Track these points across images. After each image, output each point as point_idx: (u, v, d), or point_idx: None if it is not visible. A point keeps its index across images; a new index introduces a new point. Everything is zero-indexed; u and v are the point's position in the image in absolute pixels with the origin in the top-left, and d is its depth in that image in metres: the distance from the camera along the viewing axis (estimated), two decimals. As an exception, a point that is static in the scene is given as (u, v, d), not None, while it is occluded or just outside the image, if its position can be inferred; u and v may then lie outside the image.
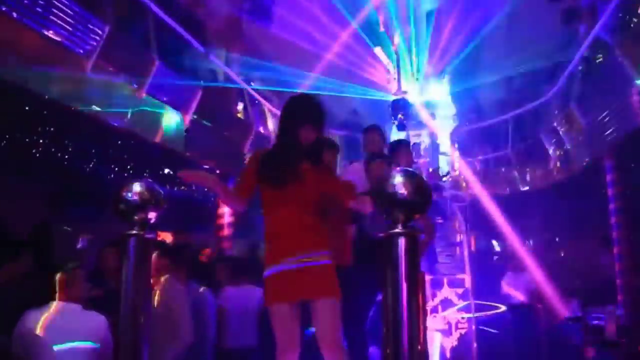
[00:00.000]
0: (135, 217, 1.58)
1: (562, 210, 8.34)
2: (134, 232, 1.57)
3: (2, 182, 4.81)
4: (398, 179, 1.37)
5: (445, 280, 5.46)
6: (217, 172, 7.89)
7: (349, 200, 2.44)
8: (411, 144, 9.95)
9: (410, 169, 1.44)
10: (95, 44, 4.81)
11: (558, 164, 8.28)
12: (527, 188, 9.43)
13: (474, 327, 5.19)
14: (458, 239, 9.03)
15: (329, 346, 2.33)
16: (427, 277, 4.60)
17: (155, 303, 3.63)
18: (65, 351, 2.67)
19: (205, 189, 6.98)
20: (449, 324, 5.33)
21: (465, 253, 8.24)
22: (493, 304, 6.49)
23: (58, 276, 2.87)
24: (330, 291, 2.35)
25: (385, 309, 1.34)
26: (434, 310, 5.09)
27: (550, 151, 8.31)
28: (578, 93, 7.07)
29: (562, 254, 9.36)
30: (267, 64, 9.68)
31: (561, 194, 8.25)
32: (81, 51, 4.81)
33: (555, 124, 7.93)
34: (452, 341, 5.22)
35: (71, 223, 5.13)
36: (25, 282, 3.25)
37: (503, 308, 6.46)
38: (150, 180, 1.64)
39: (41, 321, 2.71)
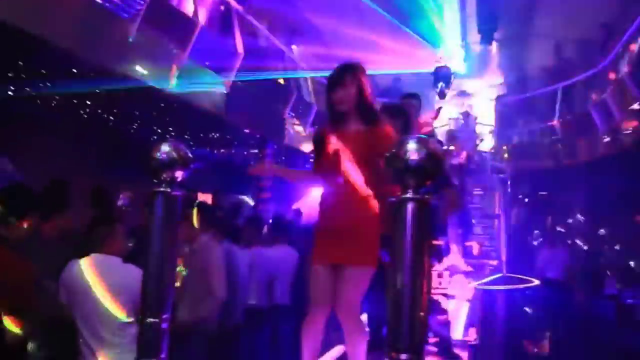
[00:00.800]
0: (163, 175, 1.66)
1: (608, 186, 8.04)
2: (161, 189, 1.66)
3: (51, 141, 5.10)
4: (410, 145, 1.39)
5: (454, 247, 5.41)
6: (257, 136, 8.04)
7: None
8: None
9: (424, 136, 1.45)
10: (139, 7, 4.92)
11: (607, 137, 7.94)
12: (572, 162, 9.11)
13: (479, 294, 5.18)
14: (496, 212, 8.92)
15: (347, 316, 2.41)
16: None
17: (193, 261, 3.82)
18: (104, 300, 2.86)
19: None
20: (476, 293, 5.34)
21: (503, 226, 8.15)
22: (527, 277, 6.43)
23: (100, 230, 3.07)
24: (358, 260, 2.39)
25: (391, 273, 1.38)
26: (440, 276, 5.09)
27: (599, 124, 7.96)
28: (632, 64, 6.69)
29: (604, 231, 9.07)
30: (309, 31, 9.62)
31: (608, 169, 7.94)
32: (126, 15, 4.94)
33: (605, 96, 7.57)
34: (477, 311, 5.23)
35: (116, 182, 5.38)
36: (71, 237, 3.50)
37: (536, 282, 6.40)
38: (177, 140, 1.72)
39: (83, 271, 2.90)
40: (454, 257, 5.19)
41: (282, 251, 4.94)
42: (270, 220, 5.58)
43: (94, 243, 3.03)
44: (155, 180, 1.68)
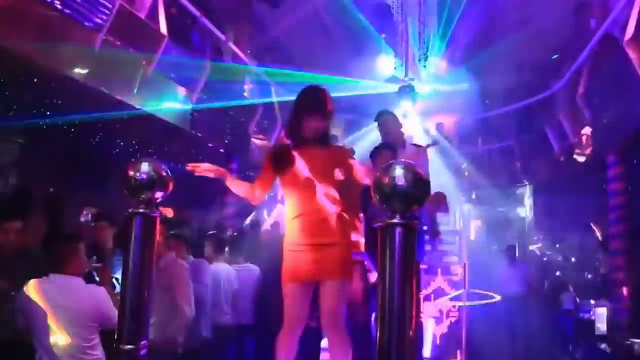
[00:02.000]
0: (142, 196, 1.62)
1: (563, 204, 8.40)
2: (141, 210, 1.61)
3: (9, 151, 4.89)
4: (398, 171, 1.41)
5: (439, 270, 5.57)
6: (222, 151, 7.95)
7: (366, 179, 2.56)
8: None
9: (410, 162, 1.47)
10: (105, 17, 4.82)
11: (561, 157, 8.29)
12: (528, 179, 9.46)
13: (464, 315, 5.32)
14: (458, 228, 9.10)
15: (332, 328, 2.46)
16: (422, 266, 4.69)
17: (159, 279, 3.72)
18: (64, 323, 2.74)
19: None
20: (441, 311, 5.46)
21: (464, 242, 8.32)
22: (488, 293, 6.59)
23: (61, 249, 2.94)
24: (336, 274, 2.44)
25: (381, 296, 1.39)
26: (427, 298, 5.21)
27: (555, 144, 8.31)
28: (585, 87, 7.04)
29: (559, 248, 9.44)
30: (275, 47, 9.67)
31: (563, 188, 8.29)
32: (91, 25, 4.82)
33: (560, 118, 7.92)
34: (442, 328, 5.35)
35: (74, 194, 5.20)
36: (31, 251, 3.34)
37: (498, 298, 6.56)
38: (158, 160, 1.68)
39: (42, 294, 2.77)
40: (440, 281, 5.29)
41: (243, 268, 4.91)
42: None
43: (54, 262, 2.90)
44: (132, 200, 1.64)
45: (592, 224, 6.46)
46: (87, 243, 3.56)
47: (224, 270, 4.65)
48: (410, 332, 1.35)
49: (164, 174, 1.65)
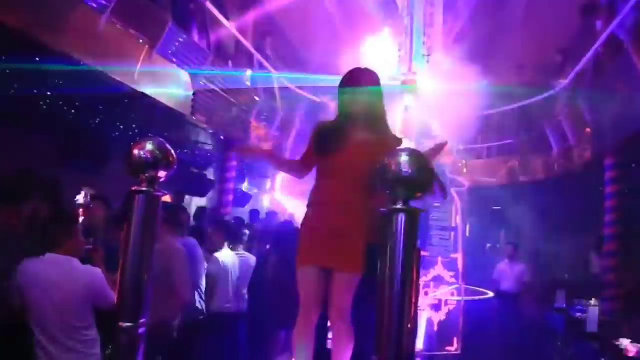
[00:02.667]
0: (145, 175, 1.62)
1: (559, 204, 8.42)
2: (143, 188, 1.62)
3: (8, 133, 4.85)
4: (403, 158, 1.42)
5: (439, 260, 5.63)
6: (222, 137, 7.95)
7: None
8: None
9: (416, 149, 1.47)
10: (109, -1, 4.79)
11: (560, 158, 8.31)
12: (526, 179, 9.48)
13: (462, 305, 5.38)
14: (453, 224, 9.12)
15: (337, 320, 2.41)
16: (424, 254, 4.72)
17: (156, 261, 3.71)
18: (60, 303, 2.74)
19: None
20: (440, 299, 5.52)
21: (460, 238, 8.35)
22: (482, 289, 6.63)
23: (57, 229, 2.94)
24: (350, 266, 2.37)
25: (381, 282, 1.40)
26: (426, 286, 5.26)
27: (554, 145, 8.33)
28: (587, 89, 7.05)
29: (555, 247, 9.47)
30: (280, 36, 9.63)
31: (560, 188, 8.32)
32: (94, 5, 4.79)
33: (560, 118, 7.93)
34: (440, 316, 5.41)
35: (73, 178, 5.17)
36: (28, 230, 3.33)
37: (490, 294, 6.61)
38: (163, 140, 1.68)
39: (39, 272, 2.78)
40: (440, 269, 5.32)
41: (242, 256, 4.91)
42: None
43: (50, 242, 2.91)
44: (135, 179, 1.64)
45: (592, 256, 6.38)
46: (83, 224, 3.57)
47: (229, 258, 4.65)
48: (411, 319, 1.37)
49: (169, 153, 1.65)
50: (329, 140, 2.47)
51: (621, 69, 6.05)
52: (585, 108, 6.99)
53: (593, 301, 5.31)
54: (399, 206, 1.40)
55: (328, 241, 2.39)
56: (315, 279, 2.41)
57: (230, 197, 8.24)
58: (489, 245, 12.12)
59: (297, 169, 2.62)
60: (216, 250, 4.67)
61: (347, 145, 2.43)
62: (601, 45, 6.74)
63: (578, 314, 5.55)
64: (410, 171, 1.40)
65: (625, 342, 4.22)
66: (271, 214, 9.02)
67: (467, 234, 9.91)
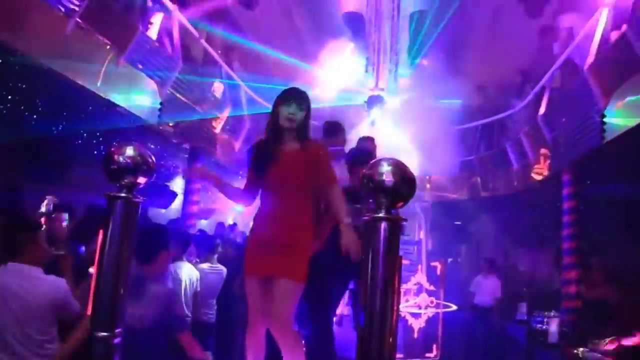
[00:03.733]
0: (125, 180, 1.59)
1: (520, 219, 8.69)
2: (122, 194, 1.59)
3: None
4: (385, 168, 1.45)
5: (419, 267, 5.76)
6: (186, 147, 7.85)
7: (330, 192, 2.58)
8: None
9: (397, 159, 1.51)
10: (78, 3, 4.69)
11: (520, 174, 8.59)
12: (487, 194, 9.74)
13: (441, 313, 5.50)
14: (417, 238, 9.27)
15: (277, 326, 2.45)
16: (405, 262, 4.81)
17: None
18: (21, 314, 2.64)
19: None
20: (419, 306, 5.62)
21: (423, 252, 8.49)
22: (445, 302, 6.75)
23: (20, 238, 2.83)
24: (289, 274, 2.45)
25: (363, 289, 1.42)
26: (406, 293, 5.35)
27: (514, 161, 8.61)
28: (545, 108, 7.35)
29: (515, 260, 9.75)
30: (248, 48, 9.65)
31: (520, 203, 8.59)
32: (62, 9, 4.68)
33: (520, 136, 8.22)
34: (420, 323, 5.49)
35: (35, 185, 5.01)
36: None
37: (454, 307, 6.73)
38: (142, 145, 1.66)
39: None
40: (420, 276, 5.40)
41: (213, 269, 4.86)
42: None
43: (12, 250, 2.80)
44: (114, 184, 1.61)
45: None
46: (45, 232, 3.45)
47: (186, 271, 4.55)
48: (392, 325, 1.39)
49: (149, 159, 1.63)
50: (263, 158, 2.61)
51: (577, 89, 6.34)
52: (544, 126, 7.27)
53: (553, 313, 5.49)
54: (381, 214, 1.43)
55: (268, 250, 2.49)
56: (258, 289, 2.50)
57: (195, 209, 8.12)
58: (450, 259, 12.34)
59: (243, 195, 2.71)
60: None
61: (278, 159, 2.58)
62: (558, 68, 7.06)
63: (539, 326, 5.73)
64: (392, 180, 1.43)
65: (584, 351, 4.38)
66: (232, 226, 8.97)
67: (429, 248, 10.10)
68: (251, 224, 2.71)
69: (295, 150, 2.59)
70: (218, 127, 8.36)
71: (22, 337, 2.64)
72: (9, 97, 4.88)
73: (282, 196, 2.55)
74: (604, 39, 5.66)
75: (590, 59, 5.76)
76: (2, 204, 3.67)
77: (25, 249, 2.81)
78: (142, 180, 1.62)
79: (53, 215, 4.13)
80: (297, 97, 2.63)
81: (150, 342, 2.58)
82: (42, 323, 2.71)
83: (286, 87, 2.74)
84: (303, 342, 2.61)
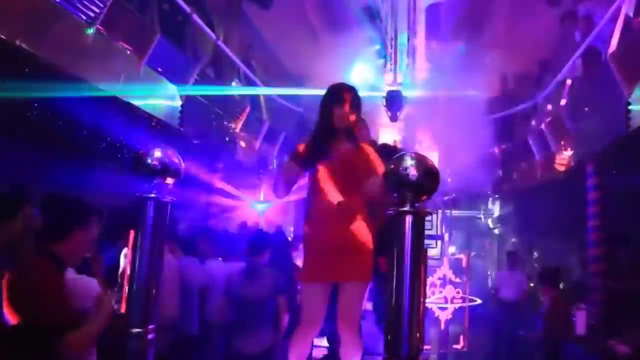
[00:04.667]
0: (154, 181, 1.64)
1: (543, 211, 8.57)
2: (152, 195, 1.64)
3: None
4: (409, 161, 1.46)
5: (444, 259, 5.75)
6: (208, 149, 7.94)
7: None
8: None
9: (420, 153, 1.53)
10: (98, 11, 4.79)
11: (543, 166, 8.48)
12: (509, 187, 9.65)
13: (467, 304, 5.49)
14: (439, 232, 9.23)
15: (346, 330, 2.45)
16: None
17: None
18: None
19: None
20: (445, 298, 5.62)
21: (446, 246, 8.45)
22: (470, 297, 6.71)
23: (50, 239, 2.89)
24: (357, 276, 2.43)
25: (390, 283, 1.43)
26: (432, 286, 5.35)
27: (536, 153, 8.50)
28: (568, 98, 7.24)
29: (539, 253, 9.63)
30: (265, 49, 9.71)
31: (543, 196, 8.48)
32: (83, 17, 4.79)
33: (542, 127, 8.11)
34: (447, 314, 5.49)
35: (60, 190, 5.11)
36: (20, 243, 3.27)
37: (479, 301, 6.69)
38: (168, 147, 1.70)
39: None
40: (445, 269, 5.40)
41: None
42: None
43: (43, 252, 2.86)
44: (144, 185, 1.66)
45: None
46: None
47: (217, 268, 4.64)
48: (419, 318, 1.41)
49: (177, 160, 1.67)
50: (313, 156, 2.55)
51: (600, 78, 6.23)
52: (566, 116, 7.17)
53: (580, 305, 5.42)
54: (406, 208, 1.45)
55: (334, 256, 2.43)
56: (320, 296, 2.48)
57: (216, 209, 8.23)
58: (473, 253, 12.23)
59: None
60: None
61: (331, 158, 2.51)
62: (580, 56, 6.94)
63: (567, 319, 5.65)
64: (416, 174, 1.45)
65: (614, 343, 4.32)
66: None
67: (452, 242, 10.04)
68: (304, 227, 2.60)
69: (350, 149, 2.55)
70: (238, 126, 8.44)
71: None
72: (35, 104, 4.99)
73: (337, 199, 2.48)
74: (627, 25, 5.55)
75: (613, 46, 5.66)
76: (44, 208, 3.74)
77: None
78: (170, 180, 1.66)
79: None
80: (349, 95, 2.57)
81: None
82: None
83: (334, 84, 2.66)
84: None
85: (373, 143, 3.72)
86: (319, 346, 4.36)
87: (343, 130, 2.57)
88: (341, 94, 2.57)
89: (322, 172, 2.54)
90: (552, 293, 5.64)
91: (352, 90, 2.62)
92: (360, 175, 2.48)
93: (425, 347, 3.70)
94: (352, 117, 2.57)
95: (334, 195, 2.49)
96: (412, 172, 1.45)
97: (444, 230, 8.78)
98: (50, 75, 4.75)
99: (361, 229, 2.49)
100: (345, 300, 2.44)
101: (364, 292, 2.48)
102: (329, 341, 3.53)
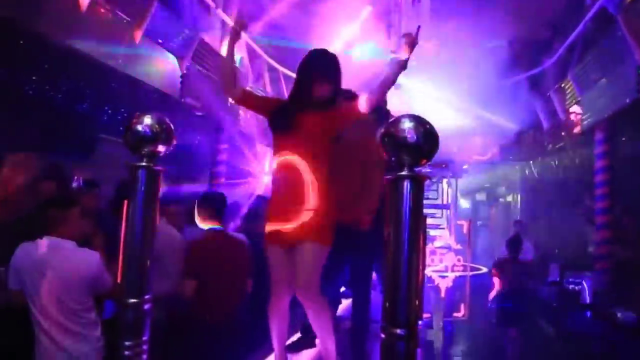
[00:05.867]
0: (145, 149, 1.59)
1: (550, 179, 8.50)
2: (144, 163, 1.59)
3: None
4: (407, 124, 1.40)
5: (446, 226, 5.73)
6: (210, 119, 7.87)
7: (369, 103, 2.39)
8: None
9: (418, 115, 1.46)
10: (93, -21, 4.67)
11: (550, 134, 8.36)
12: (517, 155, 9.54)
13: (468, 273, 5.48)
14: (445, 202, 9.20)
15: (304, 298, 2.40)
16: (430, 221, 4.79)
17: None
18: (58, 286, 2.72)
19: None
20: (446, 266, 5.60)
21: (452, 216, 8.43)
22: (475, 265, 6.71)
23: (54, 212, 2.90)
24: (311, 237, 2.38)
25: (387, 249, 1.39)
26: (432, 254, 5.33)
27: (543, 120, 8.37)
28: (576, 64, 7.06)
29: (546, 221, 9.58)
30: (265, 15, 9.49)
31: (550, 164, 8.39)
32: (78, -13, 4.67)
33: (550, 94, 7.95)
34: (447, 282, 5.49)
35: (64, 163, 5.10)
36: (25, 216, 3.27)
37: (484, 270, 6.68)
38: (161, 114, 1.65)
39: (36, 254, 2.74)
40: (447, 236, 5.38)
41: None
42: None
43: (47, 225, 2.87)
44: (135, 154, 1.61)
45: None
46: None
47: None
48: (418, 286, 1.37)
49: (168, 128, 1.62)
50: (281, 119, 2.48)
51: (610, 43, 6.05)
52: (575, 82, 7.01)
53: (586, 274, 5.40)
54: (404, 172, 1.39)
55: (289, 216, 2.40)
56: (281, 257, 2.45)
57: (222, 181, 8.20)
58: (479, 222, 12.22)
59: (236, 93, 2.53)
60: None
61: (299, 125, 2.44)
62: (590, 19, 6.74)
63: (571, 287, 5.65)
64: (415, 137, 1.38)
65: (619, 311, 4.31)
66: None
67: (458, 211, 10.01)
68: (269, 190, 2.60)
69: (320, 114, 2.44)
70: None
71: (60, 308, 2.72)
72: (33, 77, 4.92)
73: (302, 164, 2.43)
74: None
75: (625, 8, 5.47)
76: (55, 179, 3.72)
77: (59, 225, 2.87)
78: (161, 148, 1.61)
79: (84, 191, 4.20)
80: (326, 64, 2.47)
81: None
82: (78, 294, 2.79)
83: (312, 50, 2.54)
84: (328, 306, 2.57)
85: (387, 112, 3.61)
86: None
87: (317, 100, 2.46)
88: (319, 62, 2.49)
89: (286, 138, 2.47)
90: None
91: (329, 58, 2.51)
92: (320, 143, 2.44)
93: (425, 315, 3.70)
94: (329, 87, 2.46)
95: (293, 164, 2.44)
96: (411, 135, 1.38)
97: (451, 200, 8.75)
98: (47, 48, 4.67)
99: (315, 193, 2.41)
100: (299, 262, 2.38)
101: (319, 254, 2.40)
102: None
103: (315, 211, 2.40)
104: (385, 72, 2.41)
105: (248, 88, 2.71)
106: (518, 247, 5.87)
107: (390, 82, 2.38)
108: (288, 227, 2.40)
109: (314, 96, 2.47)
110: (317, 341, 2.64)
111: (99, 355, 2.78)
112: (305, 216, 2.39)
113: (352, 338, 3.28)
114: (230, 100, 2.61)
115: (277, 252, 2.46)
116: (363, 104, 2.38)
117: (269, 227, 2.49)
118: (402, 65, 2.36)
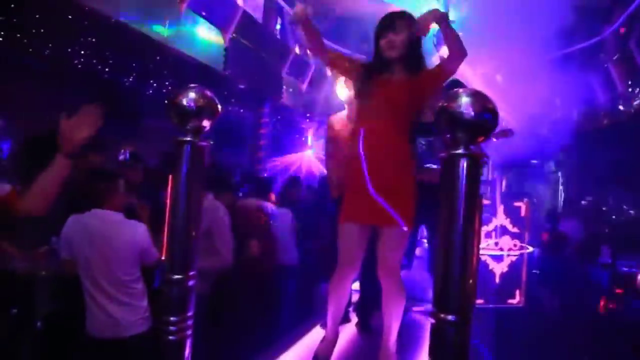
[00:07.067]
0: (190, 124, 1.56)
1: (603, 157, 8.08)
2: (188, 138, 1.56)
3: (42, 92, 4.89)
4: (464, 99, 1.30)
5: (501, 207, 5.52)
6: (253, 93, 7.87)
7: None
8: None
9: (477, 89, 1.35)
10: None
11: (606, 108, 7.92)
12: (568, 130, 9.10)
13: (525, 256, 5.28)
14: (490, 177, 8.92)
15: (387, 276, 2.35)
16: (485, 201, 4.64)
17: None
18: (107, 256, 2.78)
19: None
20: (502, 249, 5.43)
21: (497, 193, 8.18)
22: (523, 244, 6.50)
23: (100, 186, 2.95)
24: (401, 216, 2.23)
25: (443, 230, 1.32)
26: (487, 236, 5.17)
27: (599, 94, 7.92)
28: (638, 33, 6.60)
29: (598, 201, 9.17)
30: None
31: (605, 140, 7.97)
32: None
33: (608, 65, 7.50)
34: (502, 267, 5.33)
35: (109, 136, 5.20)
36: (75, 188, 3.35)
37: (531, 249, 6.47)
38: (203, 88, 1.60)
39: (86, 226, 2.81)
40: (501, 218, 5.21)
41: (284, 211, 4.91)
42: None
43: (94, 198, 2.92)
44: (179, 129, 1.58)
45: None
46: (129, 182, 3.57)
47: (282, 213, 4.66)
48: (472, 270, 1.29)
49: (212, 102, 1.58)
50: (365, 82, 2.33)
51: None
52: (637, 53, 6.57)
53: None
54: (460, 151, 1.30)
55: (374, 197, 2.24)
56: (358, 236, 2.32)
57: (263, 154, 8.23)
58: (525, 199, 11.83)
59: (325, 51, 2.38)
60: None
61: (385, 88, 2.28)
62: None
63: (625, 269, 5.40)
64: (472, 112, 1.29)
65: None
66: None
67: (503, 189, 9.72)
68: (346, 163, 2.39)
69: (404, 80, 2.28)
70: (283, 70, 8.27)
71: (109, 277, 2.79)
72: (81, 51, 5.01)
73: (390, 132, 2.25)
74: None
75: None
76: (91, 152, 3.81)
77: (106, 198, 2.92)
78: (206, 123, 1.57)
79: (130, 164, 4.27)
80: (392, 22, 2.28)
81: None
82: (126, 264, 2.86)
83: (387, 13, 2.35)
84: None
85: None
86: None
87: (395, 59, 2.30)
88: (391, 21, 2.29)
89: (365, 108, 2.32)
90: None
91: (404, 16, 2.31)
92: (413, 107, 2.27)
93: (478, 301, 3.58)
94: (405, 44, 2.26)
95: (376, 135, 2.27)
96: (468, 110, 1.28)
97: (496, 175, 8.49)
98: (94, 22, 4.73)
99: (404, 172, 2.28)
100: (386, 245, 2.30)
101: (405, 238, 2.30)
102: (361, 285, 3.42)
103: (405, 188, 2.27)
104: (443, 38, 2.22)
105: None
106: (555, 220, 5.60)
107: (451, 38, 2.15)
108: (373, 205, 2.24)
109: (386, 55, 2.30)
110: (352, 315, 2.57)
111: (146, 324, 2.85)
112: (394, 193, 2.24)
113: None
114: (321, 54, 2.41)
115: (354, 229, 2.32)
116: (445, 69, 2.23)
117: (348, 204, 2.34)
118: (439, 16, 2.15)
